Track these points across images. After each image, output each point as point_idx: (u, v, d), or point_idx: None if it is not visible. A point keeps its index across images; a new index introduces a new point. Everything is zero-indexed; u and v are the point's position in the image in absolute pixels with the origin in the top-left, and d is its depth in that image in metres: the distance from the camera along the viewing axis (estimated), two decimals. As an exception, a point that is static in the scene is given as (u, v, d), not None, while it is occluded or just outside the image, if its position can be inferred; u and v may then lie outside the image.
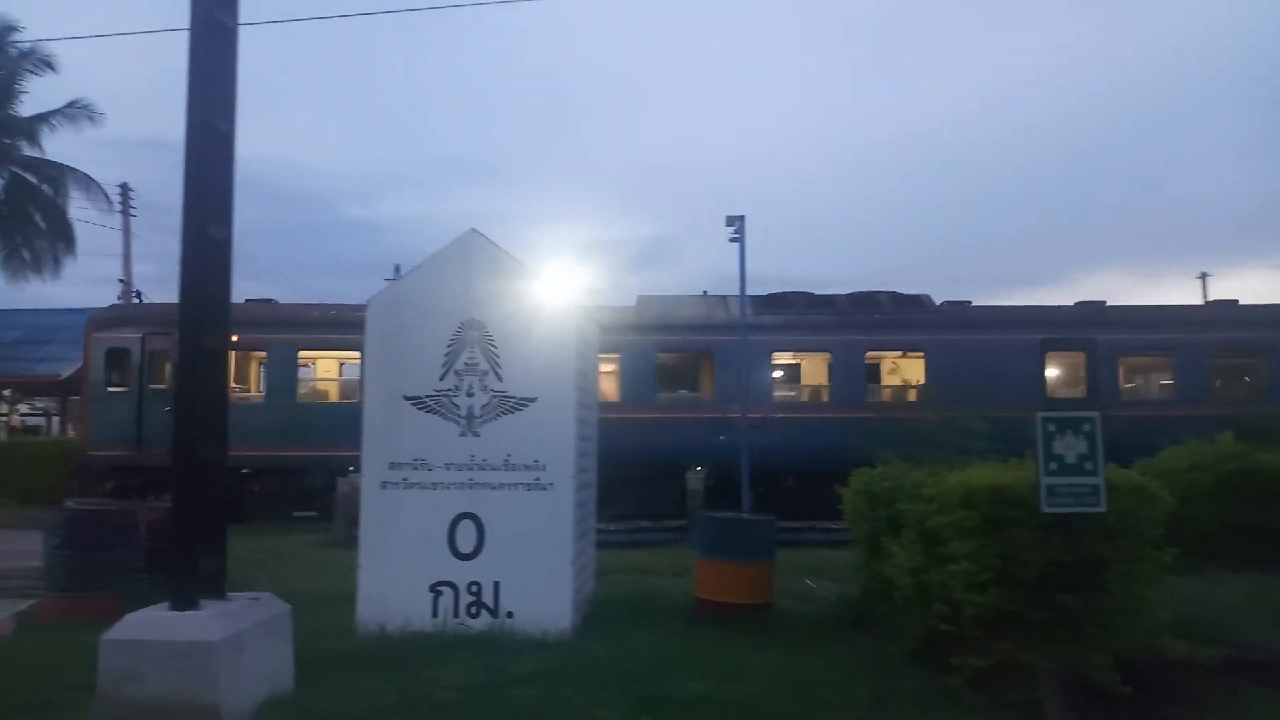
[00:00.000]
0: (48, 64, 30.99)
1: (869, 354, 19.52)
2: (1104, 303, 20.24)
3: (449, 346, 7.90)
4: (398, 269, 42.52)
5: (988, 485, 6.08)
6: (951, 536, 6.09)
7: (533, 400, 7.89)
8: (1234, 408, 16.29)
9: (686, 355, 19.93)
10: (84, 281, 68.25)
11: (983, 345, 18.62)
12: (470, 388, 7.88)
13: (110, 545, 8.85)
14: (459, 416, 7.87)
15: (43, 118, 31.67)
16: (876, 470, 8.14)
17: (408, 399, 7.86)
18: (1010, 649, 5.80)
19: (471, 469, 7.82)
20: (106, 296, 32.71)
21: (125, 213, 35.52)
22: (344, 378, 20.69)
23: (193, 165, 5.66)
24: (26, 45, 30.53)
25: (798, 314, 19.46)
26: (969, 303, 20.50)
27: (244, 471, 17.89)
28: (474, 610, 7.67)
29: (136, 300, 22.66)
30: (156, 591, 7.57)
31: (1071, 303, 20.43)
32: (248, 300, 20.56)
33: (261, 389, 20.29)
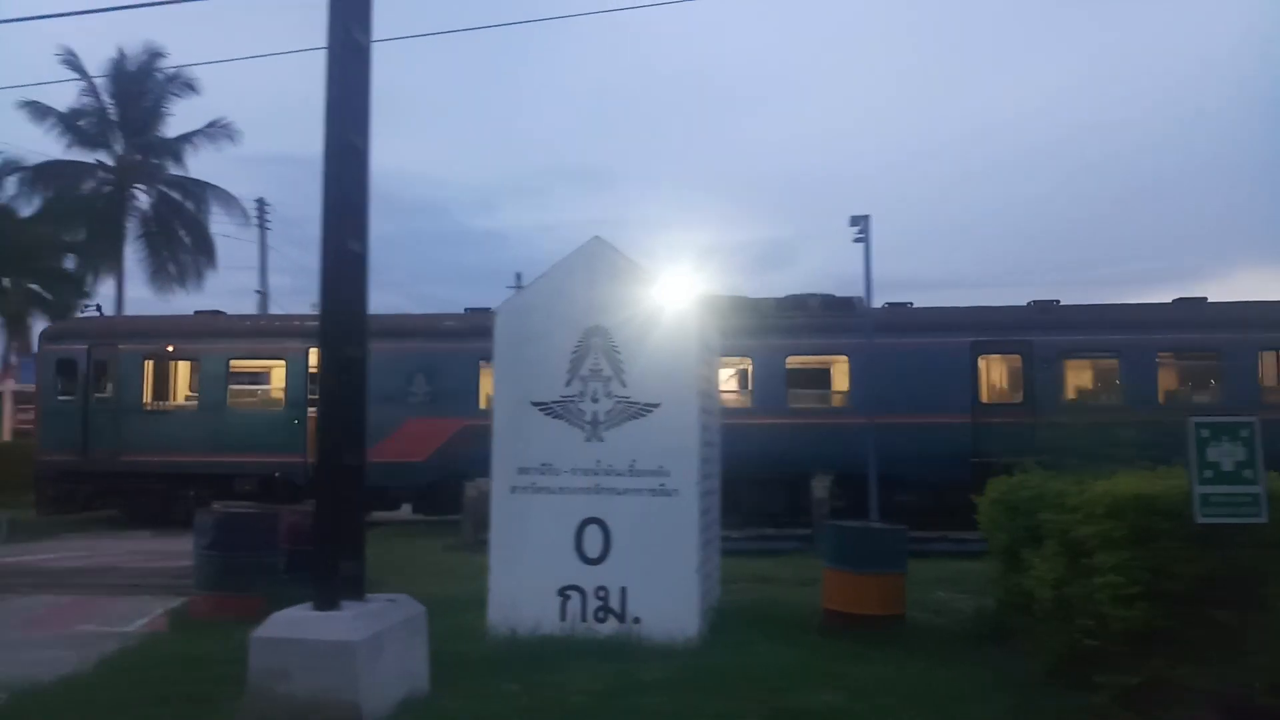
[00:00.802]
0: (190, 87, 32.80)
1: (790, 358, 18.61)
2: (1056, 301, 19.05)
3: (574, 353, 7.97)
4: (519, 277, 43.35)
5: (1135, 494, 5.79)
6: (1097, 548, 5.82)
7: (656, 406, 7.89)
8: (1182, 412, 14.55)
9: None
10: (224, 293, 71.68)
11: (910, 348, 17.71)
12: (595, 393, 7.94)
13: (254, 547, 9.26)
14: (584, 422, 7.93)
15: (186, 138, 33.52)
16: (1015, 479, 7.85)
17: (535, 405, 7.96)
18: (1160, 667, 5.50)
19: (597, 474, 7.86)
20: (245, 307, 34.30)
21: (261, 226, 37.21)
22: (272, 385, 20.54)
23: (331, 181, 5.87)
24: (171, 70, 32.35)
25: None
26: (910, 304, 19.57)
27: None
28: (601, 615, 7.71)
29: (96, 313, 24.06)
30: (297, 591, 7.89)
31: (1169, 299, 18.95)
32: (196, 312, 21.69)
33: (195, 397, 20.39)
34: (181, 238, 34.00)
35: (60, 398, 19.92)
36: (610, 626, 7.65)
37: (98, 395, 19.77)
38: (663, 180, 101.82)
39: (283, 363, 19.57)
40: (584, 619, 7.70)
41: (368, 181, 6.11)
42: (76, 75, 31.16)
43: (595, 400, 7.92)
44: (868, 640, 7.58)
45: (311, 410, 18.35)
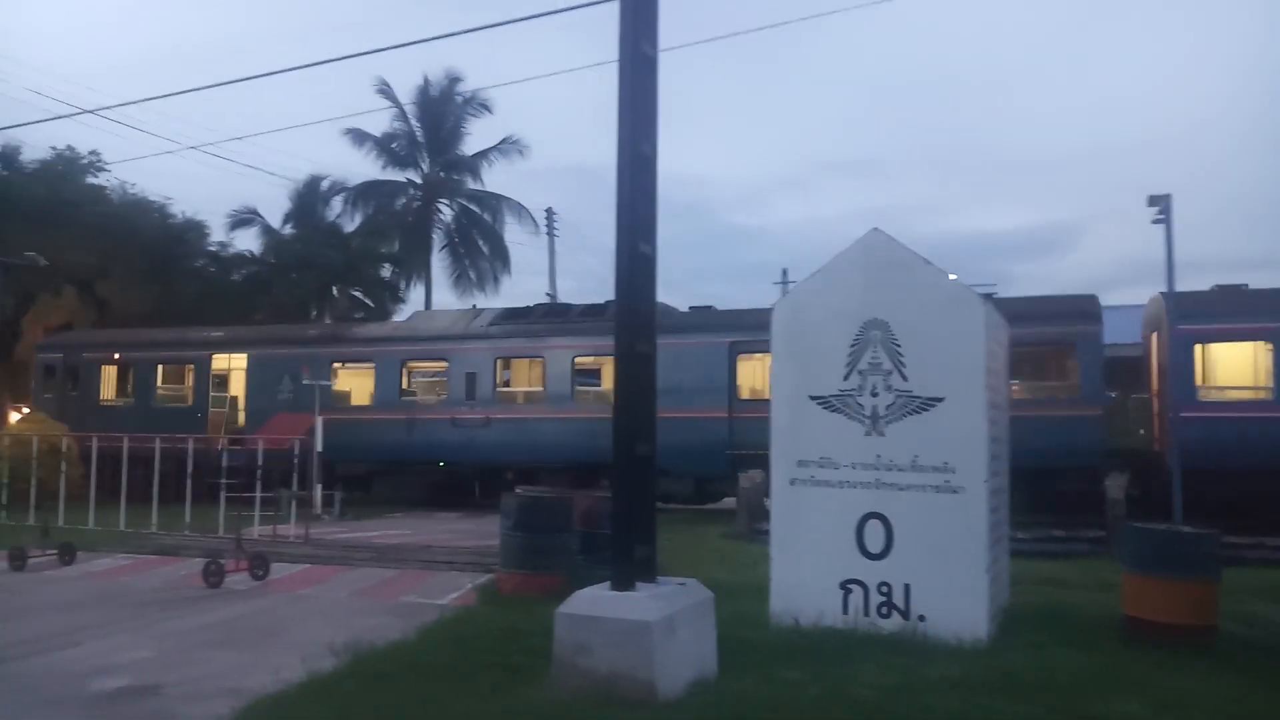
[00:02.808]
0: (485, 108, 35.50)
1: (577, 359, 20.29)
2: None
3: (852, 346, 7.94)
4: (785, 273, 43.30)
5: None
6: None
7: (939, 400, 7.71)
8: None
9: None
10: (517, 297, 76.81)
11: (677, 348, 18.08)
12: (874, 387, 7.88)
13: (553, 529, 9.93)
14: (864, 416, 7.89)
15: (482, 155, 36.30)
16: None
17: (813, 398, 8.02)
18: None
19: (877, 469, 7.80)
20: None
21: (550, 234, 39.59)
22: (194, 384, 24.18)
23: (623, 187, 6.24)
24: (469, 93, 35.15)
25: (530, 323, 21.31)
26: (711, 308, 21.03)
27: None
28: (884, 610, 7.65)
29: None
30: (591, 572, 8.42)
31: None
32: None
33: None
34: (480, 247, 36.91)
35: (45, 394, 24.83)
36: (894, 623, 7.57)
37: (70, 393, 24.57)
38: (935, 167, 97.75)
39: (191, 368, 24.25)
40: (866, 613, 7.67)
41: (656, 188, 6.45)
42: (389, 103, 34.60)
43: (875, 394, 7.86)
44: (1173, 651, 7.03)
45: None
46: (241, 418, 23.22)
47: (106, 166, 34.80)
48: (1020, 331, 16.73)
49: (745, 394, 19.43)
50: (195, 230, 34.97)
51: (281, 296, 32.99)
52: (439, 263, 36.95)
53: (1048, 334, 17.58)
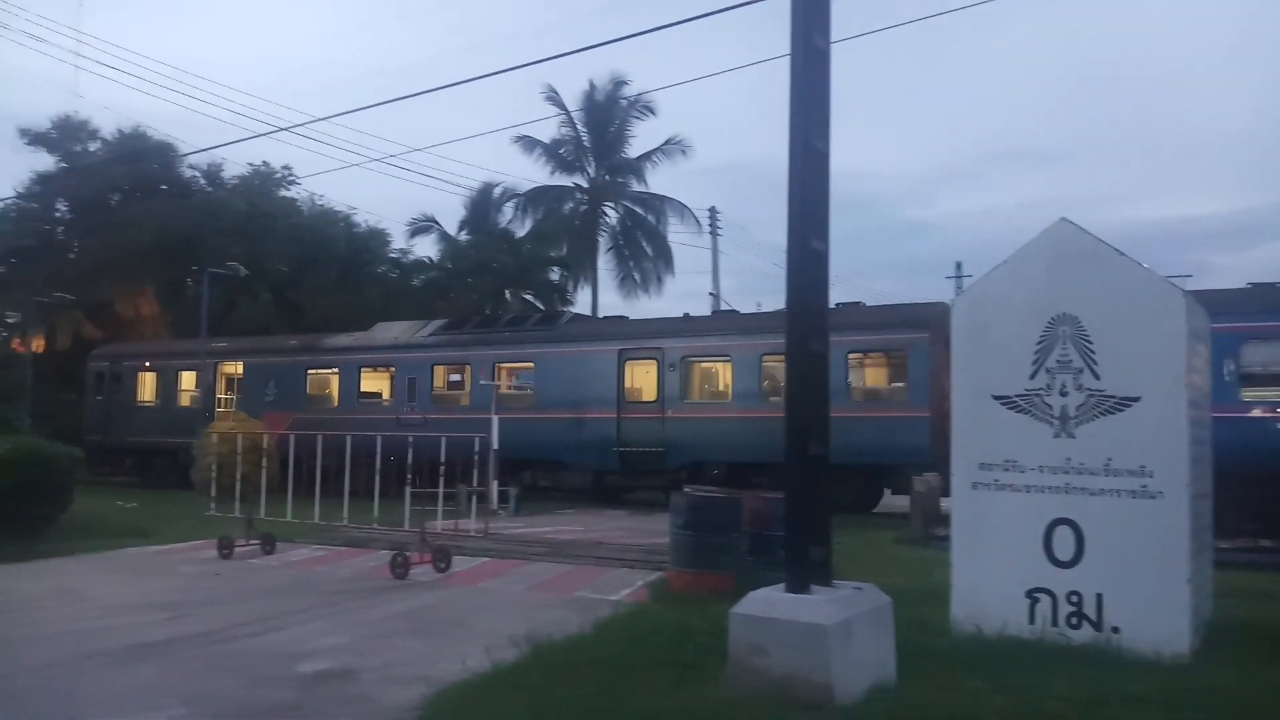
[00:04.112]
0: (649, 109, 35.90)
1: (497, 365, 22.87)
2: (687, 315, 23.32)
3: (1038, 343, 7.57)
4: (959, 267, 41.82)
5: None
6: None
7: (1135, 400, 7.26)
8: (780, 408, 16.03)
9: None
10: (680, 296, 77.28)
11: (577, 355, 21.63)
12: (1063, 386, 7.49)
13: (722, 528, 9.94)
14: (1051, 417, 7.52)
15: (646, 156, 36.73)
16: None
17: (996, 398, 7.69)
18: None
19: (1067, 472, 7.41)
20: (700, 309, 36.84)
21: (713, 233, 39.65)
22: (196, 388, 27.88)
23: (795, 183, 6.17)
24: (633, 96, 35.64)
25: (463, 334, 24.14)
26: (624, 318, 24.32)
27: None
28: (1074, 621, 7.27)
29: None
30: (760, 573, 8.37)
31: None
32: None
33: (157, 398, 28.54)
34: (644, 248, 37.37)
35: (95, 397, 28.86)
36: (1084, 634, 7.18)
37: (115, 395, 28.38)
38: (1119, 153, 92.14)
39: (193, 374, 27.87)
40: (1054, 623, 7.30)
41: (828, 183, 6.35)
42: (557, 110, 35.51)
43: (1064, 394, 7.47)
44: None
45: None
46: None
47: (298, 180, 37.24)
48: (861, 339, 19.55)
49: (630, 396, 21.36)
50: (378, 238, 36.96)
51: (458, 301, 34.38)
52: (604, 265, 37.67)
53: (884, 341, 19.57)
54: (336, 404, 24.98)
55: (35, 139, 35.45)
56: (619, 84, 35.79)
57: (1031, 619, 7.35)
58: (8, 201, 34.53)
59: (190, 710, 6.02)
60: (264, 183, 36.59)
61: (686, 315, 23.35)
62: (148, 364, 29.10)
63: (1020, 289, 7.72)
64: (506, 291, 35.48)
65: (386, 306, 33.01)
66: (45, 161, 35.56)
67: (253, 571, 11.90)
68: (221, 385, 27.75)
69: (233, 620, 8.75)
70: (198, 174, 37.13)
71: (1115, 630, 7.09)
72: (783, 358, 21.99)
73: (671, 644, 6.99)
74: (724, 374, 21.32)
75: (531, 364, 23.00)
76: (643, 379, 21.59)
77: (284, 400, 24.70)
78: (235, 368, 27.67)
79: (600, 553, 13.52)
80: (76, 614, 9.09)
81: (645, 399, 21.29)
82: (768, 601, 6.01)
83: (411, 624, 8.78)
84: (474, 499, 16.50)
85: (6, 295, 35.92)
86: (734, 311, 24.89)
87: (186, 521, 16.38)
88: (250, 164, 37.08)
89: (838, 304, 22.01)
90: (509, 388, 23.20)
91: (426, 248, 38.05)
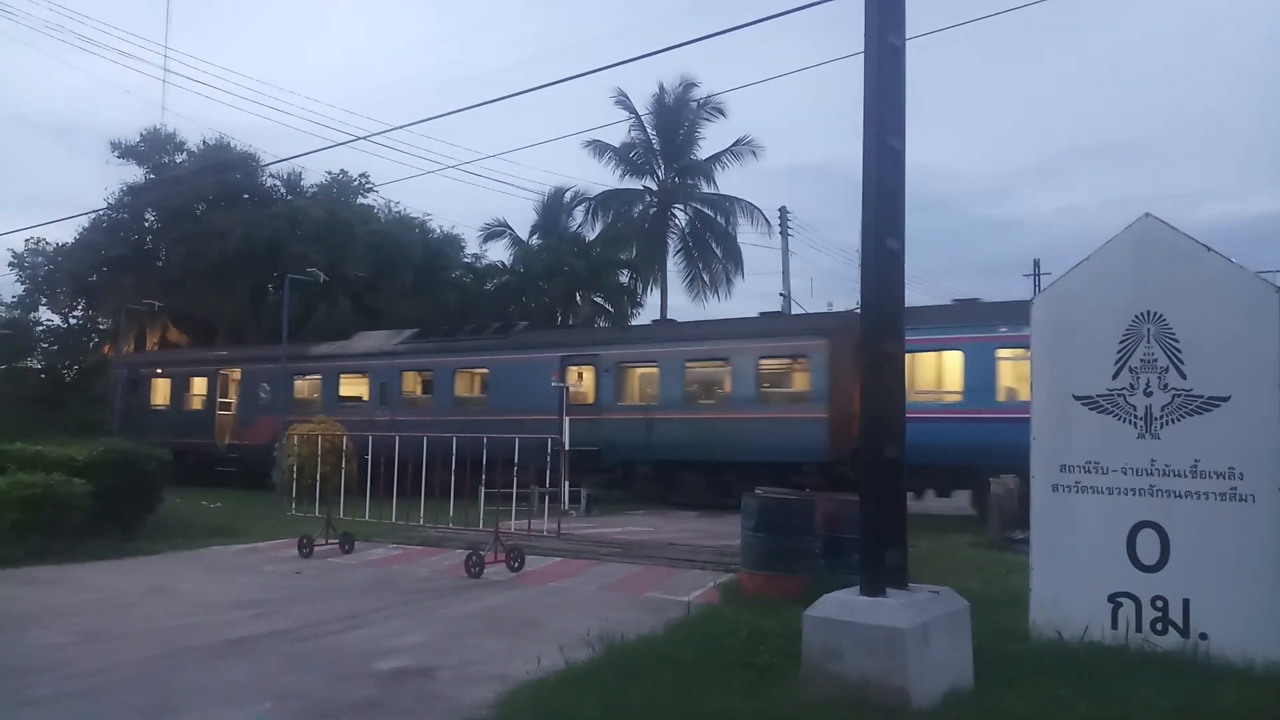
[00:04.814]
0: (719, 111, 35.83)
1: (456, 370, 25.64)
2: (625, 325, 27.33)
3: (1121, 342, 7.38)
4: (1037, 265, 41.00)
5: None
6: None
7: (1224, 400, 7.03)
8: (702, 409, 21.71)
9: None
10: (750, 298, 76.93)
11: (525, 362, 23.91)
12: (1147, 386, 7.28)
13: (795, 531, 9.86)
14: (1135, 417, 7.32)
15: (715, 158, 36.67)
16: None
17: (1077, 398, 7.52)
18: None
19: (1151, 474, 7.20)
20: (772, 309, 36.64)
21: (784, 234, 39.37)
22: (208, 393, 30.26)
23: (870, 182, 6.11)
24: (702, 98, 35.60)
25: (429, 343, 26.50)
26: (596, 326, 26.64)
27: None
28: (1159, 627, 7.06)
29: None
30: (833, 576, 8.29)
31: None
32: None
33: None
34: (713, 250, 37.28)
35: (116, 400, 31.01)
36: (1171, 640, 6.97)
37: (134, 400, 30.79)
38: (1203, 148, 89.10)
39: (205, 380, 30.29)
40: (1139, 629, 7.10)
41: (904, 182, 6.27)
42: (627, 114, 35.64)
43: (1148, 393, 7.27)
44: None
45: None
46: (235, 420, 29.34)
47: (375, 187, 38.02)
48: (771, 345, 21.50)
49: (573, 400, 22.79)
50: (452, 244, 37.53)
51: (531, 304, 34.74)
52: (674, 267, 37.67)
53: (789, 348, 21.18)
54: (320, 408, 26.48)
55: (125, 152, 36.86)
56: (689, 86, 35.81)
57: (1114, 624, 7.16)
58: (100, 213, 35.97)
59: (277, 705, 6.18)
60: (342, 190, 37.46)
61: (623, 325, 26.73)
62: (159, 370, 31.89)
63: (1102, 287, 7.53)
64: (577, 295, 35.71)
65: (461, 311, 33.52)
66: (134, 174, 37.01)
67: (332, 570, 12.18)
68: (223, 390, 29.98)
69: (315, 618, 8.97)
70: (279, 183, 38.21)
71: (1203, 637, 6.87)
72: (703, 364, 22.16)
73: (744, 646, 6.96)
74: (653, 379, 23.17)
75: (486, 370, 25.36)
76: (584, 383, 23.77)
77: (275, 404, 27.01)
78: (235, 374, 29.85)
79: (671, 554, 13.55)
80: (167, 611, 9.41)
81: (585, 402, 23.27)
82: (842, 604, 5.96)
83: (487, 622, 8.90)
84: (545, 499, 16.66)
85: (99, 303, 37.40)
86: (671, 321, 27.14)
87: (268, 521, 16.86)
88: (329, 172, 38.02)
89: (760, 313, 24.75)
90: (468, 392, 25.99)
91: (499, 252, 38.58)
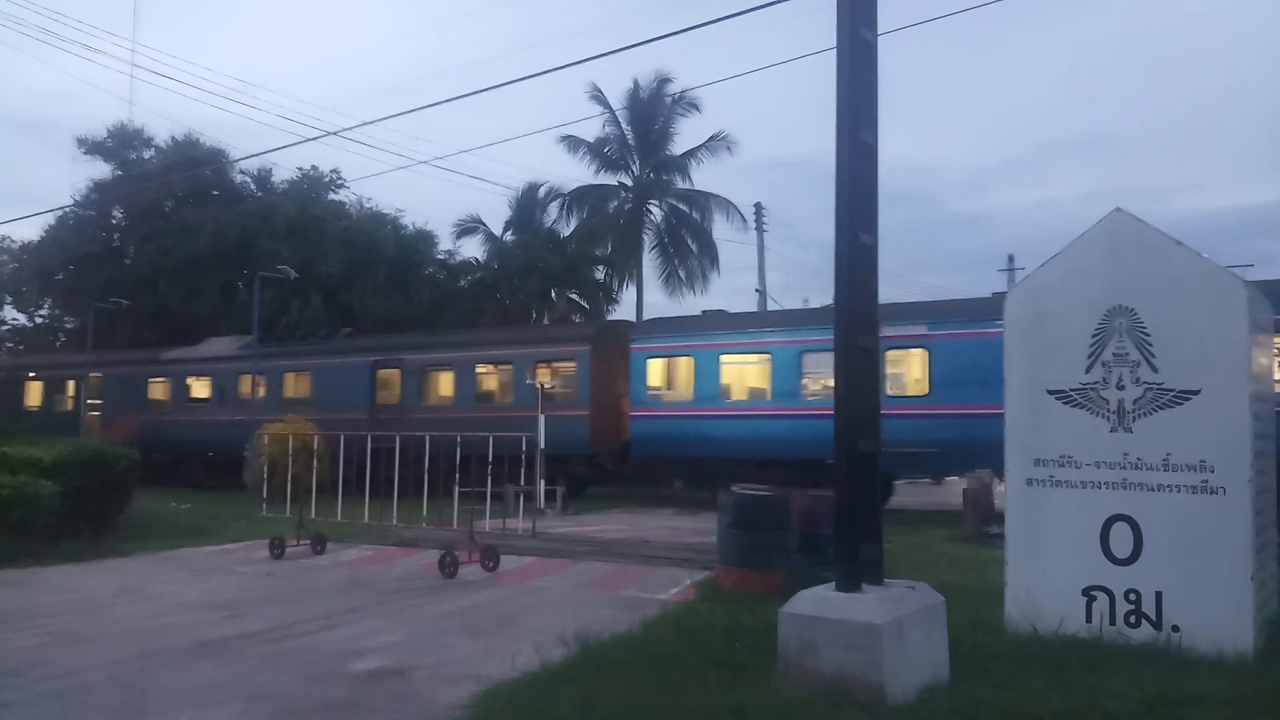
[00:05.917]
0: (694, 106, 35.76)
1: (283, 373, 27.66)
2: (432, 331, 29.41)
3: (1095, 336, 7.42)
4: (1011, 259, 41.36)
5: None
6: None
7: (1195, 393, 7.08)
8: (487, 409, 23.65)
9: None
10: (727, 294, 77.11)
11: (340, 366, 26.29)
12: (1120, 380, 7.33)
13: (771, 527, 9.86)
14: (1108, 411, 7.36)
15: (690, 154, 36.59)
16: None
17: (1051, 392, 7.55)
18: None
19: (1124, 468, 7.26)
20: (746, 305, 36.70)
21: (759, 229, 39.43)
22: (76, 395, 31.85)
23: (843, 177, 6.09)
24: (677, 93, 35.52)
25: (263, 348, 27.95)
26: (441, 334, 28.02)
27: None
28: (1133, 619, 7.11)
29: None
30: (810, 572, 8.30)
31: None
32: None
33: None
34: (689, 245, 37.24)
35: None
36: (1144, 633, 7.02)
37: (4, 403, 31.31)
38: (1176, 142, 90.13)
39: (74, 382, 31.62)
40: (1112, 622, 7.14)
41: (877, 176, 6.27)
42: (601, 109, 35.52)
43: (1121, 387, 7.31)
44: None
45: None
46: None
47: (347, 183, 37.70)
48: (544, 350, 24.04)
49: (380, 399, 25.55)
50: (425, 240, 37.28)
51: (506, 301, 34.58)
52: (649, 262, 37.60)
53: (559, 353, 23.75)
54: (171, 409, 29.39)
55: (92, 148, 36.37)
56: (663, 81, 35.69)
57: (1088, 618, 7.20)
58: (67, 210, 35.48)
59: (251, 706, 6.11)
60: (314, 187, 37.15)
61: (425, 330, 29.22)
62: (32, 375, 33.57)
63: (1075, 281, 7.56)
64: (552, 291, 35.59)
65: (435, 308, 33.32)
66: (102, 170, 36.53)
67: (305, 571, 12.07)
68: (91, 393, 31.33)
69: (288, 619, 8.88)
70: (249, 179, 37.84)
71: (1175, 629, 6.92)
72: (489, 367, 24.33)
73: (721, 643, 6.95)
74: (448, 380, 25.39)
75: (309, 373, 27.47)
76: (393, 384, 25.95)
77: (133, 405, 29.38)
78: (99, 378, 31.23)
79: (648, 551, 13.51)
80: (139, 612, 9.29)
81: (390, 402, 25.47)
82: (818, 600, 5.95)
83: (462, 622, 8.84)
84: (520, 498, 16.59)
85: (66, 301, 36.89)
86: (472, 327, 30.42)
87: (239, 522, 16.70)
88: (300, 168, 37.72)
89: (547, 321, 27.26)
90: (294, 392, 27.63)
91: (473, 248, 38.33)
